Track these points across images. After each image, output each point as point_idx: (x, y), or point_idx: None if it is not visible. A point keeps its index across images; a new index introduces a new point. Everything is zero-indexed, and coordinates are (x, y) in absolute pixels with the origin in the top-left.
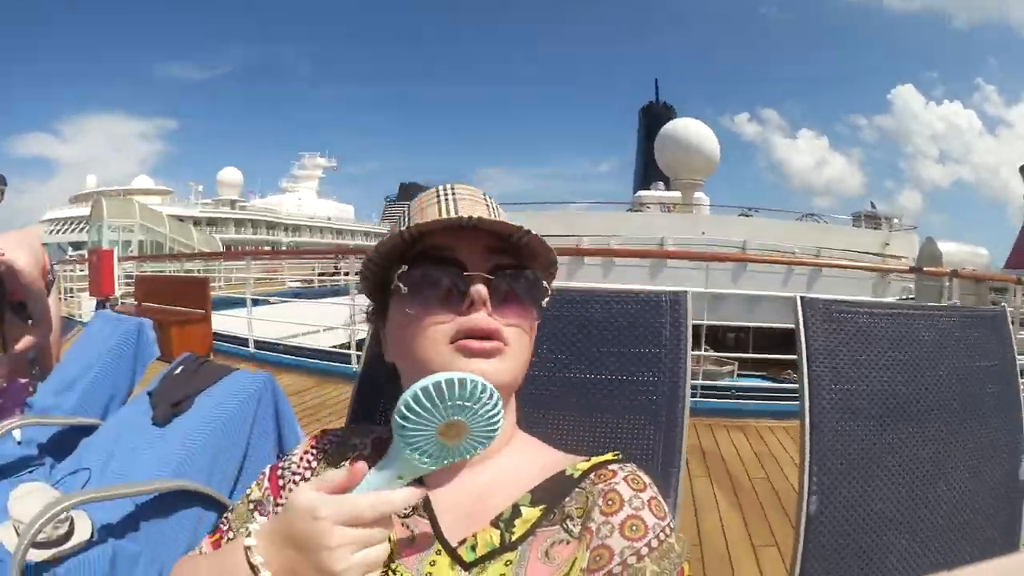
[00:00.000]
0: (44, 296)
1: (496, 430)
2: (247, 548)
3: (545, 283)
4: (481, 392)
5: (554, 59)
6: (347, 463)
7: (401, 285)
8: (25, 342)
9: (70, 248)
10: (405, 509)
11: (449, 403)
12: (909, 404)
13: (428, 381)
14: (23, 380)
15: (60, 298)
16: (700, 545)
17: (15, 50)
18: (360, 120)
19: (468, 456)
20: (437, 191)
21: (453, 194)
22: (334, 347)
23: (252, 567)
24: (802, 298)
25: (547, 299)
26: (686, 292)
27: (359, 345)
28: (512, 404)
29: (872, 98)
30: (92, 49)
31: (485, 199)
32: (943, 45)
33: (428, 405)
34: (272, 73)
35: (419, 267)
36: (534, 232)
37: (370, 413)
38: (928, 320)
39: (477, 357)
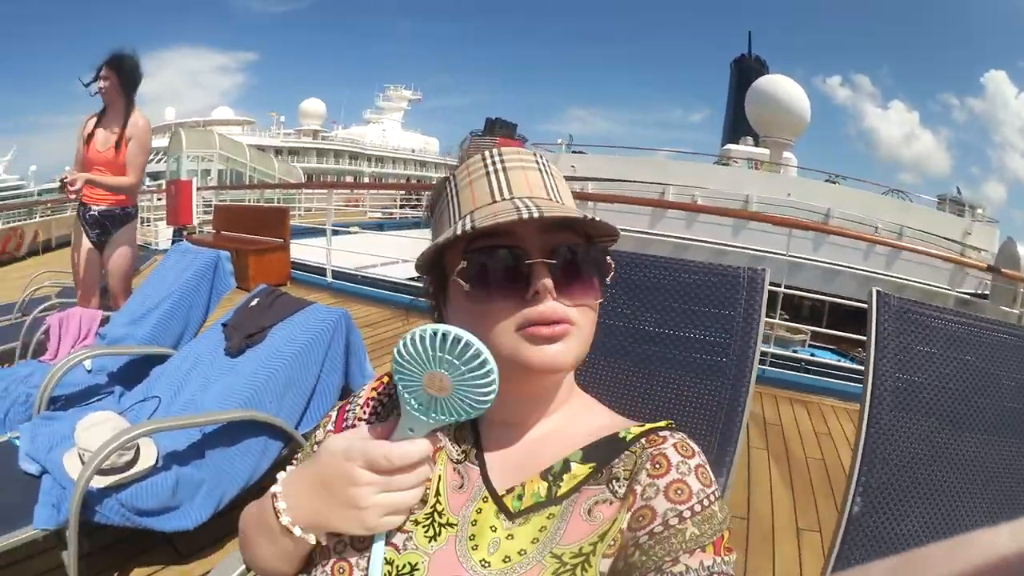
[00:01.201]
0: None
1: (487, 397)
2: (273, 495)
3: (609, 258)
4: (467, 350)
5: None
6: None
7: (462, 282)
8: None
9: (148, 179)
10: (457, 455)
11: (439, 354)
12: (968, 417)
13: (424, 329)
14: (95, 310)
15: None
16: (748, 519)
17: None
18: (446, 55)
19: (451, 419)
20: (484, 160)
21: (503, 165)
22: (411, 279)
23: (275, 511)
24: (878, 292)
25: (611, 275)
26: (765, 270)
27: None
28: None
29: (965, 79)
30: None
31: (539, 166)
32: None
33: (414, 352)
34: (355, 5)
35: (477, 260)
36: (593, 217)
37: None
38: (1002, 335)
39: (544, 343)
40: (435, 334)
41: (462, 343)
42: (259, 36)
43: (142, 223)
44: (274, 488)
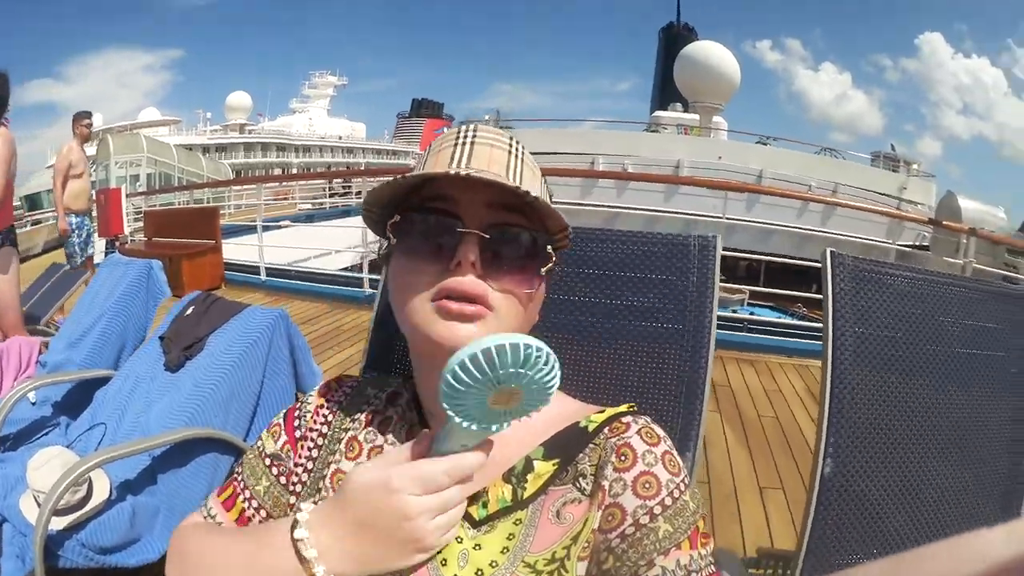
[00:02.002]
0: None
1: (551, 392)
2: (297, 541)
3: (551, 249)
4: (537, 358)
5: None
6: (362, 416)
7: (391, 235)
8: None
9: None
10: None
11: (501, 371)
12: (931, 374)
13: (476, 347)
14: (33, 338)
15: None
16: (708, 483)
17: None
18: (370, 37)
19: (525, 418)
20: (458, 134)
21: (472, 140)
22: (345, 269)
23: (303, 560)
24: (832, 252)
25: (550, 267)
26: (716, 235)
27: (371, 267)
28: None
29: (899, 40)
30: None
31: (510, 146)
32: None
33: (477, 375)
34: None
35: (412, 217)
36: (540, 198)
37: (386, 358)
38: (962, 291)
39: (454, 320)
40: (501, 347)
41: (523, 348)
42: (184, 31)
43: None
44: (298, 532)
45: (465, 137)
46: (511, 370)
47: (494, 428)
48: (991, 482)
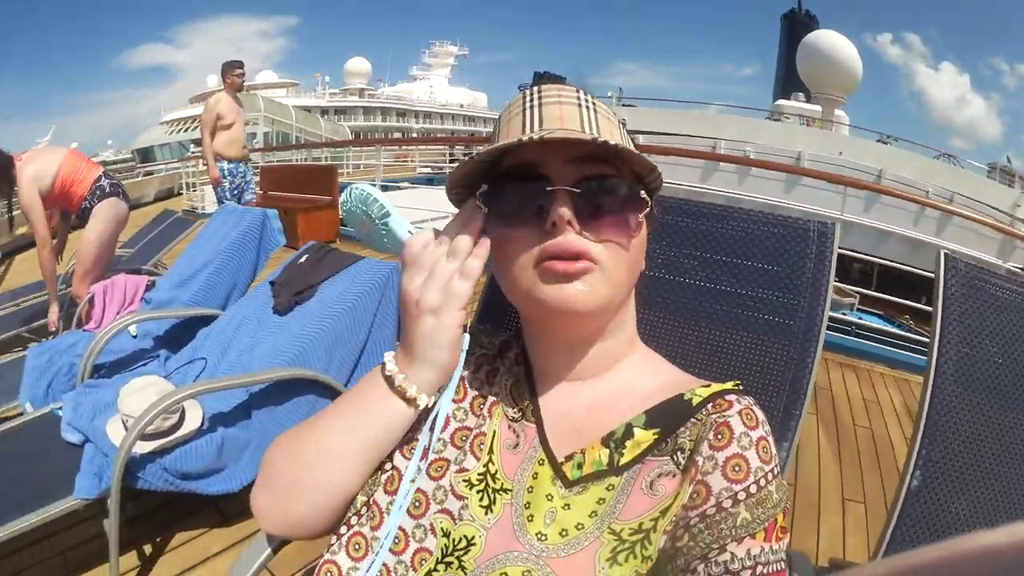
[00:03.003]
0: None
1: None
2: (386, 376)
3: (644, 193)
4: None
5: None
6: (472, 360)
7: (481, 206)
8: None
9: (192, 145)
10: (514, 412)
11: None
12: None
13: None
14: (140, 276)
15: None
16: (795, 486)
17: None
18: (491, 9)
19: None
20: (524, 98)
21: (540, 101)
22: None
23: (386, 374)
24: (946, 255)
25: (647, 211)
26: (835, 223)
27: None
28: (630, 317)
29: (1017, 44)
30: None
31: (579, 97)
32: None
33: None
34: None
35: (499, 185)
36: (621, 143)
37: (496, 318)
38: None
39: (561, 281)
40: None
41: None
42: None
43: (190, 188)
44: (388, 368)
45: (532, 100)
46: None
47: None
48: None
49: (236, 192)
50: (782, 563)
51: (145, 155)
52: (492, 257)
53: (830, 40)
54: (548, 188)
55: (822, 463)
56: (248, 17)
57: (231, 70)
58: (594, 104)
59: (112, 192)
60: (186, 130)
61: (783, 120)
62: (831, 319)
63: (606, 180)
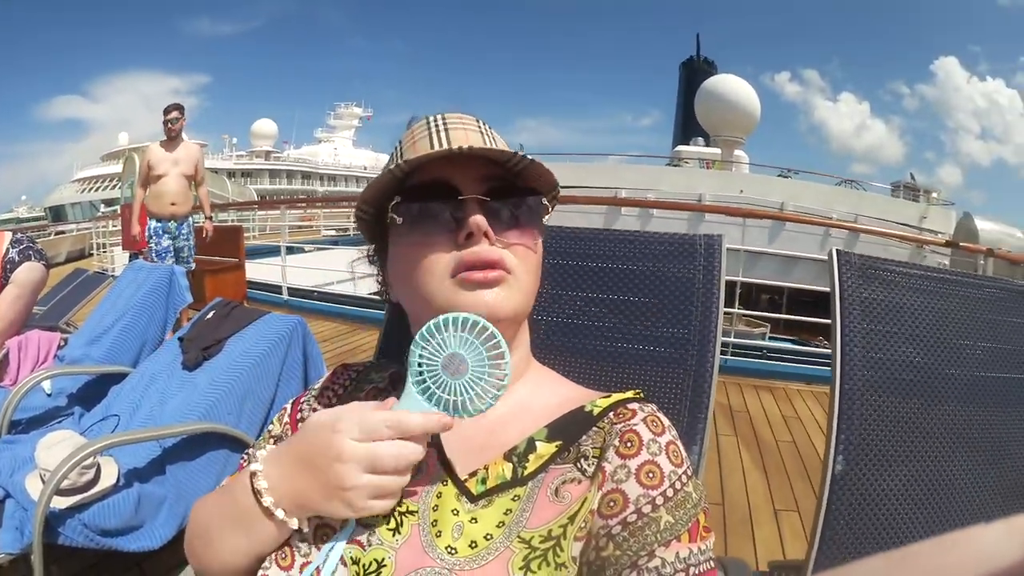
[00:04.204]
0: None
1: (494, 382)
2: (252, 473)
3: (546, 202)
4: (496, 339)
5: (596, 8)
6: (364, 396)
7: (396, 217)
8: None
9: (103, 205)
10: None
11: (465, 335)
12: (940, 372)
13: (438, 318)
14: (53, 332)
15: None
16: (723, 504)
17: (37, 9)
18: (396, 71)
19: (471, 413)
20: (428, 122)
21: (445, 124)
22: (369, 294)
23: (255, 492)
24: (838, 251)
25: (548, 216)
26: (721, 236)
27: None
28: (524, 334)
29: (915, 67)
30: (119, 7)
31: (479, 125)
32: (987, 20)
33: (441, 330)
34: (305, 25)
35: (413, 198)
36: (525, 156)
37: (396, 353)
38: (967, 288)
39: (480, 288)
40: (466, 320)
41: (489, 331)
42: (211, 58)
43: (100, 249)
44: (253, 466)
45: (437, 124)
46: (468, 336)
47: (433, 403)
48: (1007, 482)
49: (162, 256)
50: (711, 562)
51: (57, 213)
52: (401, 274)
53: (727, 84)
54: (460, 197)
55: (748, 480)
56: (162, 73)
57: (165, 115)
58: (492, 131)
59: (24, 257)
60: (98, 189)
61: (683, 165)
62: (739, 345)
63: (515, 189)
